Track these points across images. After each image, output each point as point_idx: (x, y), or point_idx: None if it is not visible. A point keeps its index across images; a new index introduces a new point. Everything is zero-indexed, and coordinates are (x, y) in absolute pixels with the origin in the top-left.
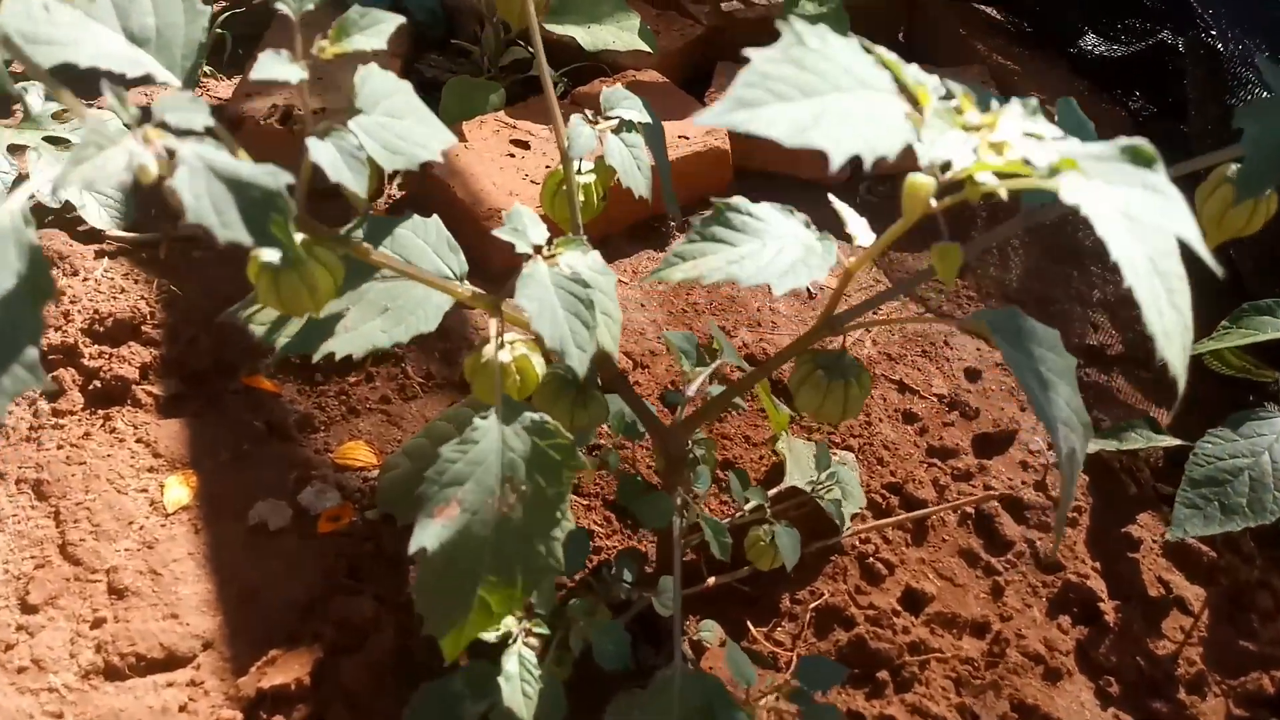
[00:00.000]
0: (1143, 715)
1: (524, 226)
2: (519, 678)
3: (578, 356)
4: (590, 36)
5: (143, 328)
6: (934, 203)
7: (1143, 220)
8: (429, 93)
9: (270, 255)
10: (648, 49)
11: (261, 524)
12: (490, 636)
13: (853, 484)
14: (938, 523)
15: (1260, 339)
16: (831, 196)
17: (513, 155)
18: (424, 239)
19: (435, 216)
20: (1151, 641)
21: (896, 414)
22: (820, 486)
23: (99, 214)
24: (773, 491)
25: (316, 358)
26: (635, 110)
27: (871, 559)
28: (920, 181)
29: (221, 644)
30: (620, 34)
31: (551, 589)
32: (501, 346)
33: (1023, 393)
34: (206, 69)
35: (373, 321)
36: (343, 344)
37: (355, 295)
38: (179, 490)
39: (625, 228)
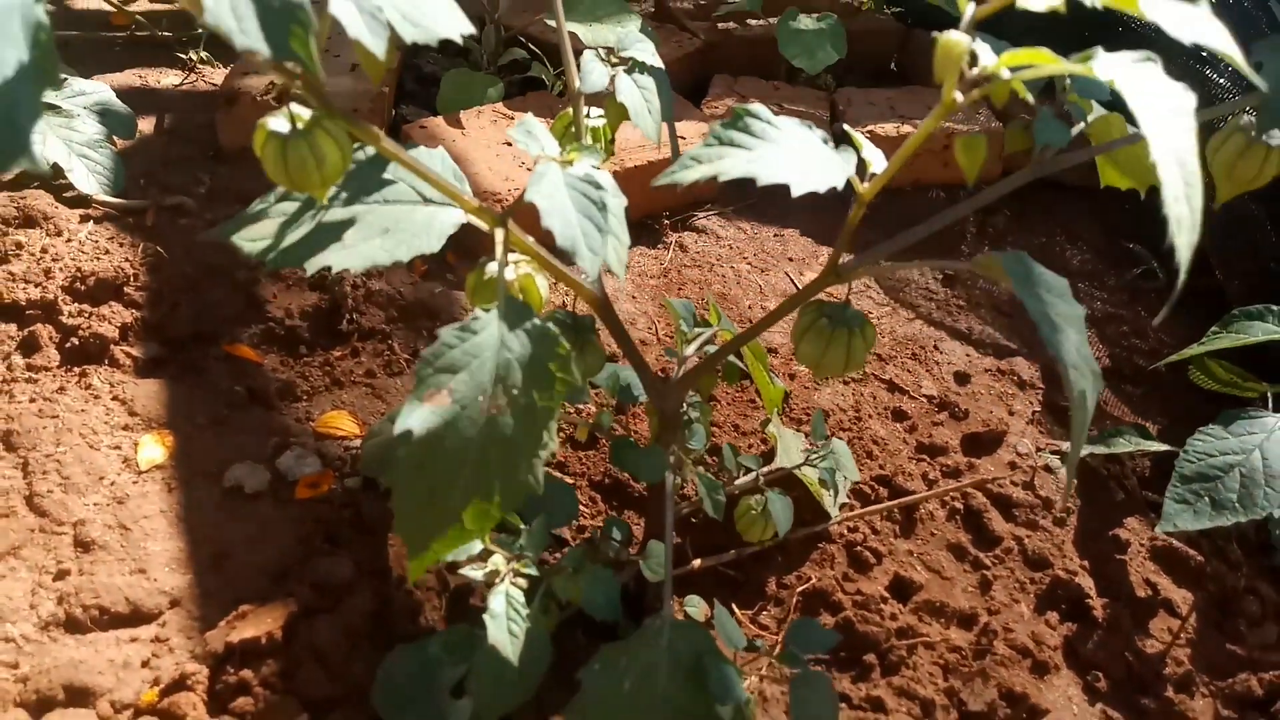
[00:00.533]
0: (1131, 712)
1: (536, 132)
2: (505, 616)
3: (589, 258)
4: (591, 34)
5: (125, 289)
6: (960, 97)
7: (1167, 107)
8: (427, 87)
9: (278, 124)
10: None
11: (237, 487)
12: (478, 574)
13: (846, 457)
14: (926, 517)
15: (1249, 342)
16: (846, 127)
17: (509, 144)
18: (430, 165)
19: (441, 149)
20: (1140, 640)
21: (886, 412)
22: (815, 455)
23: (87, 179)
24: (766, 469)
25: (311, 271)
26: (649, 53)
27: (860, 548)
28: (953, 40)
29: (190, 602)
30: (620, 32)
31: (542, 533)
32: (506, 265)
33: (1011, 398)
34: (204, 55)
35: (373, 240)
36: (340, 258)
37: (356, 215)
38: (154, 449)
39: None
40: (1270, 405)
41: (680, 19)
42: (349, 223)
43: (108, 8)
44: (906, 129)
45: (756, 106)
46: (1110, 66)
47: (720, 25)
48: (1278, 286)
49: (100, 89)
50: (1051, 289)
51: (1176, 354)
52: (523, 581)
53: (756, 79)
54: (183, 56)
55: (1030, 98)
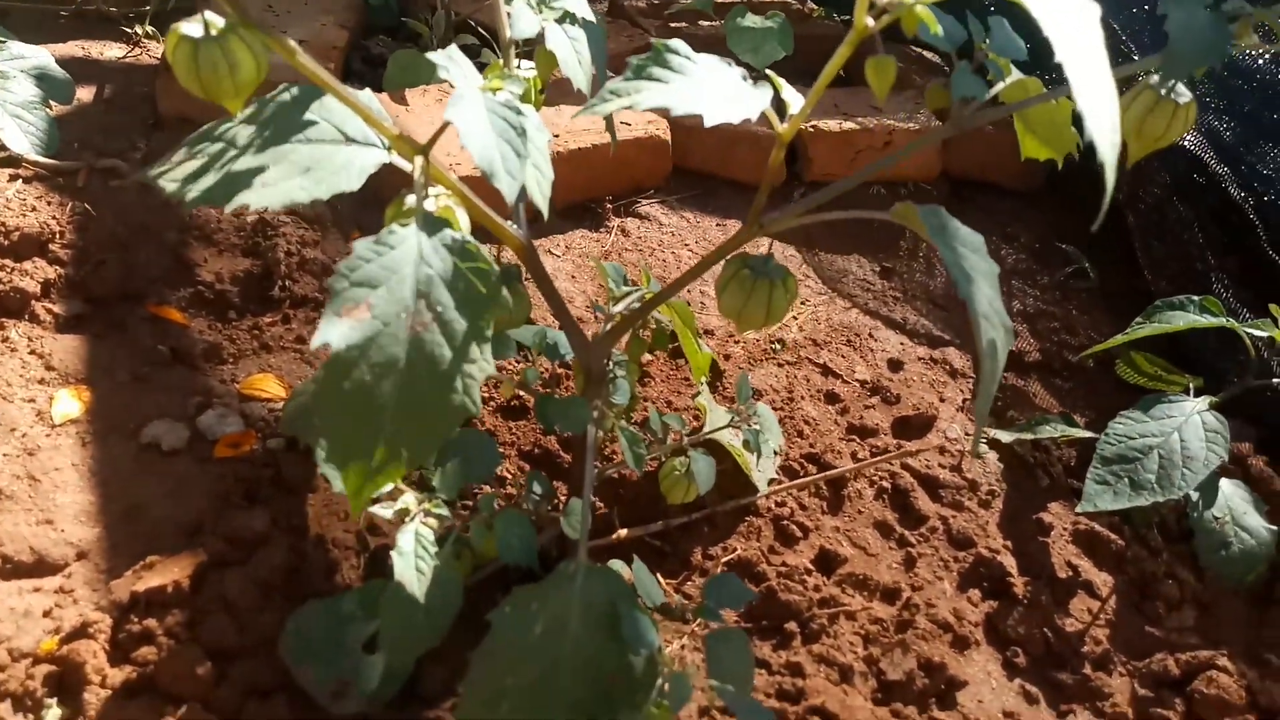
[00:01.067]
0: (1048, 687)
1: (458, 59)
2: (413, 553)
3: (507, 181)
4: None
5: (50, 245)
6: (871, 22)
7: (1067, 5)
8: (375, 68)
9: (192, 29)
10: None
11: (154, 443)
12: (386, 513)
13: (771, 421)
14: (854, 495)
15: (1171, 329)
16: (768, 71)
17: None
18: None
19: (367, 89)
20: (1059, 619)
21: (819, 394)
22: (739, 419)
23: (19, 139)
24: (692, 436)
25: (229, 209)
26: (581, 6)
27: (787, 522)
28: None
29: (98, 555)
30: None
31: (456, 474)
32: (425, 194)
33: (943, 386)
34: (149, 29)
35: (293, 179)
36: (259, 196)
37: (277, 154)
38: (69, 403)
39: (561, 207)
40: (1192, 396)
41: (633, 16)
42: (270, 162)
43: None
44: (849, 125)
45: (675, 42)
46: None
47: (672, 24)
48: (1204, 286)
49: (39, 53)
50: (966, 243)
51: (1102, 344)
52: (433, 522)
53: None
54: (128, 30)
55: (939, 30)
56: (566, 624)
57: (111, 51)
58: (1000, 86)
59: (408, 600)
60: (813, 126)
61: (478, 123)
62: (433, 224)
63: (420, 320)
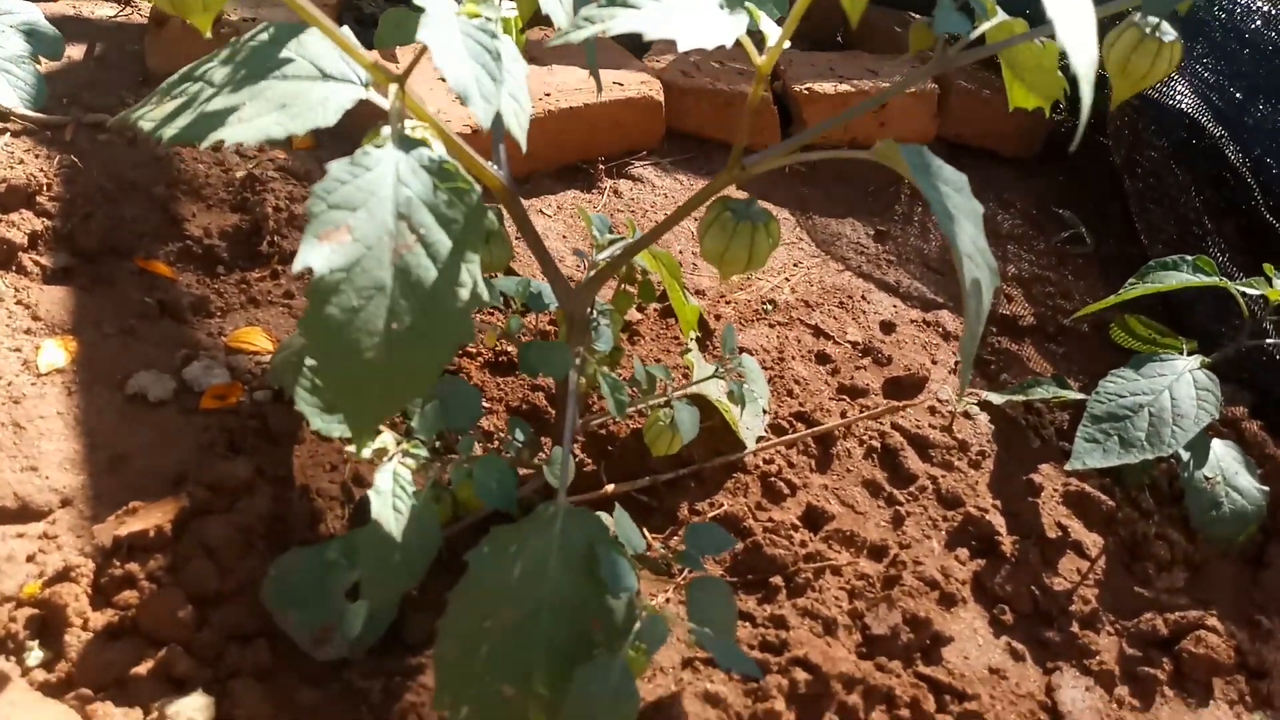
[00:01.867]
0: (1035, 644)
1: None
2: (391, 493)
3: (481, 105)
4: None
5: (37, 198)
6: None
7: None
8: (367, 29)
9: None
10: None
11: (140, 394)
12: (365, 453)
13: (757, 373)
14: (843, 454)
15: (1164, 289)
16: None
17: (444, 79)
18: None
19: (345, 26)
20: (1048, 578)
21: (810, 354)
22: (725, 371)
23: (7, 92)
24: (678, 392)
25: (204, 145)
26: None
27: (775, 479)
28: None
29: (81, 501)
30: None
31: (435, 416)
32: (400, 124)
33: (935, 348)
34: None
35: (269, 115)
36: (235, 132)
37: (253, 91)
38: (55, 353)
39: (554, 168)
40: (1185, 356)
41: None
42: (246, 99)
43: None
44: (844, 88)
45: None
46: None
47: None
48: (1201, 250)
49: (29, 9)
50: (949, 182)
51: (1095, 304)
52: (411, 462)
53: None
54: None
55: None
56: (546, 566)
57: (103, 10)
58: (986, 26)
59: (385, 539)
60: (807, 89)
61: (451, 44)
62: (408, 143)
63: (403, 243)
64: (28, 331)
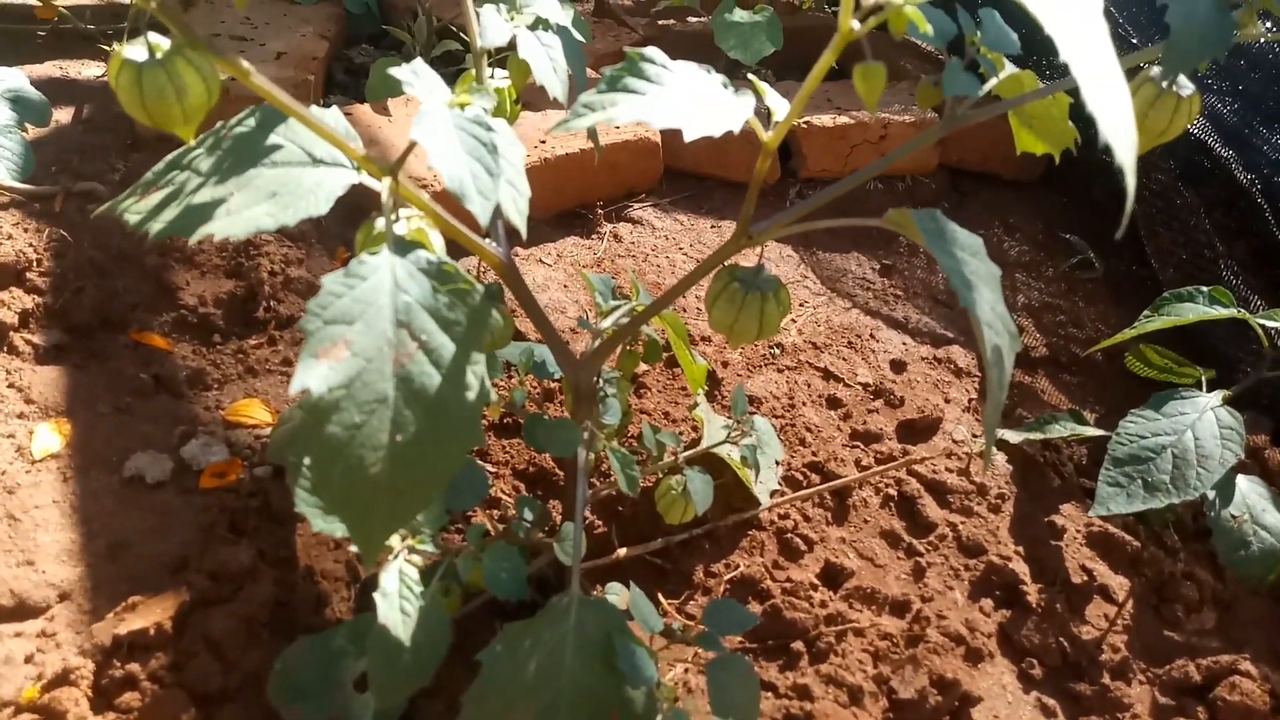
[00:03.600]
0: (1066, 699)
1: (422, 73)
2: (397, 595)
3: (479, 203)
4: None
5: (27, 274)
6: (857, 25)
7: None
8: (358, 79)
9: (135, 52)
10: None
11: (138, 476)
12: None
13: (769, 435)
14: (859, 504)
15: (1180, 323)
16: (750, 76)
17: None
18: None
19: (334, 108)
20: (1075, 626)
21: (820, 399)
22: (735, 432)
23: None
24: (687, 453)
25: (193, 241)
26: (553, 10)
27: (790, 534)
28: None
29: (80, 595)
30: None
31: (440, 508)
32: (394, 217)
33: (947, 386)
34: None
35: (259, 206)
36: (224, 225)
37: (241, 181)
38: (49, 438)
39: (552, 214)
40: (1204, 389)
41: (619, 15)
42: (235, 190)
43: (33, 1)
44: (843, 119)
45: (651, 50)
46: None
47: (660, 21)
48: (1212, 274)
49: (14, 76)
50: (965, 247)
51: (1110, 339)
52: (418, 559)
53: None
54: (106, 49)
55: (929, 29)
56: (562, 660)
57: (90, 70)
58: (994, 82)
59: (393, 643)
60: (805, 122)
61: (445, 141)
62: (404, 248)
63: (404, 351)
64: (21, 416)
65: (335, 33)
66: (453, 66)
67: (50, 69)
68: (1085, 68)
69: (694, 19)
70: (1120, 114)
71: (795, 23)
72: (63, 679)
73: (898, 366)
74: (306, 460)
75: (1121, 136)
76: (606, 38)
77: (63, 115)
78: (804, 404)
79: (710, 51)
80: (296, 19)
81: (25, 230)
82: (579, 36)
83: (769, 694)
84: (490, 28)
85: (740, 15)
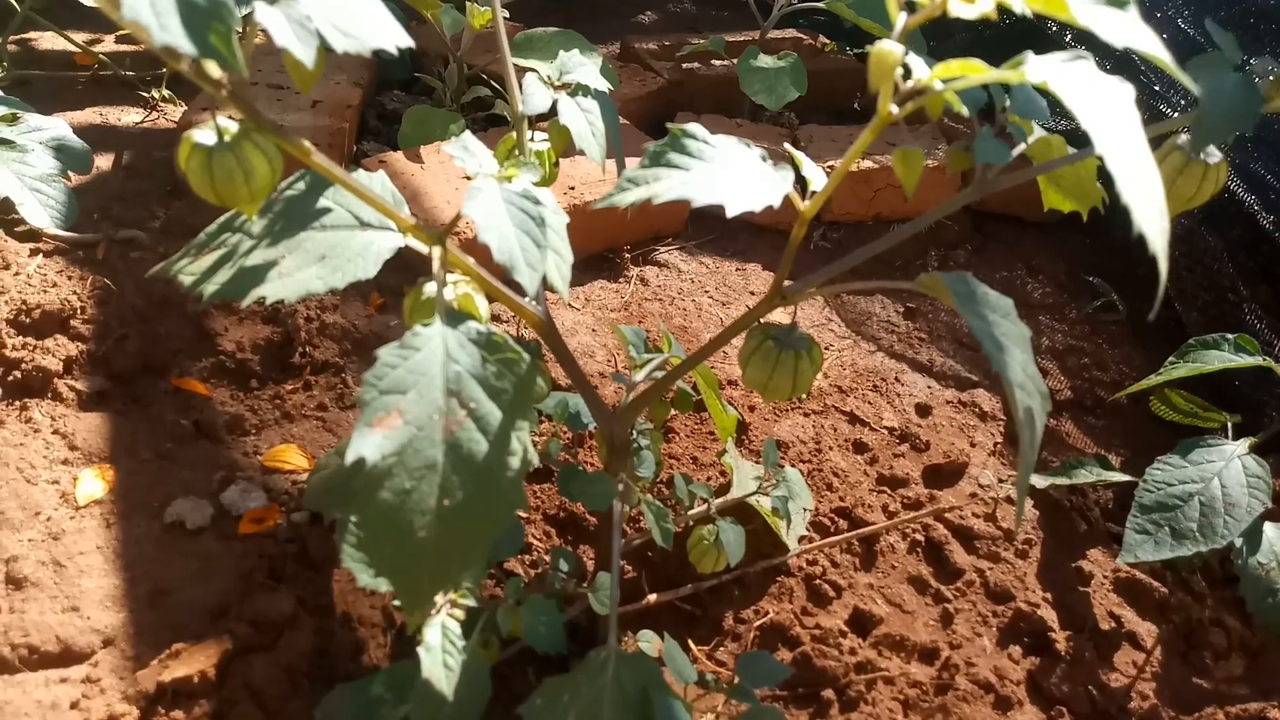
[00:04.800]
0: None
1: (473, 148)
2: (440, 649)
3: (528, 274)
4: (551, 69)
5: (71, 321)
6: (895, 110)
7: (1105, 97)
8: (390, 125)
9: (204, 137)
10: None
11: (179, 522)
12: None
13: (799, 485)
14: (887, 549)
15: (1206, 370)
16: (788, 146)
17: (469, 178)
18: (368, 186)
19: (381, 172)
20: (1104, 674)
21: (847, 444)
22: (766, 483)
23: (39, 213)
24: (719, 501)
25: (245, 303)
26: (592, 76)
27: (819, 580)
28: (887, 49)
29: (124, 641)
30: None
31: (484, 564)
32: (444, 285)
33: (973, 430)
34: (166, 93)
35: (309, 269)
36: (275, 289)
37: (292, 244)
38: (93, 484)
39: (580, 258)
40: (1230, 435)
41: (644, 59)
42: (285, 252)
43: (72, 48)
44: (867, 164)
45: (693, 126)
46: (1042, 68)
47: (684, 65)
48: (1235, 317)
49: (57, 124)
50: (996, 309)
51: (1136, 385)
52: (459, 613)
53: (720, 117)
54: (145, 95)
55: (964, 110)
56: (600, 714)
57: (129, 116)
58: (1023, 147)
59: (437, 697)
60: (829, 167)
61: (496, 217)
62: (455, 318)
63: (454, 419)
64: (65, 462)
65: (368, 79)
66: (483, 112)
67: (91, 115)
68: (1120, 164)
69: (718, 63)
70: (1154, 205)
71: (818, 66)
72: None
73: (923, 410)
74: (354, 519)
75: (1154, 225)
76: (633, 82)
77: (103, 162)
78: (830, 448)
79: (735, 95)
80: (330, 66)
81: (69, 278)
82: (608, 86)
83: None
84: (533, 95)
85: (765, 60)
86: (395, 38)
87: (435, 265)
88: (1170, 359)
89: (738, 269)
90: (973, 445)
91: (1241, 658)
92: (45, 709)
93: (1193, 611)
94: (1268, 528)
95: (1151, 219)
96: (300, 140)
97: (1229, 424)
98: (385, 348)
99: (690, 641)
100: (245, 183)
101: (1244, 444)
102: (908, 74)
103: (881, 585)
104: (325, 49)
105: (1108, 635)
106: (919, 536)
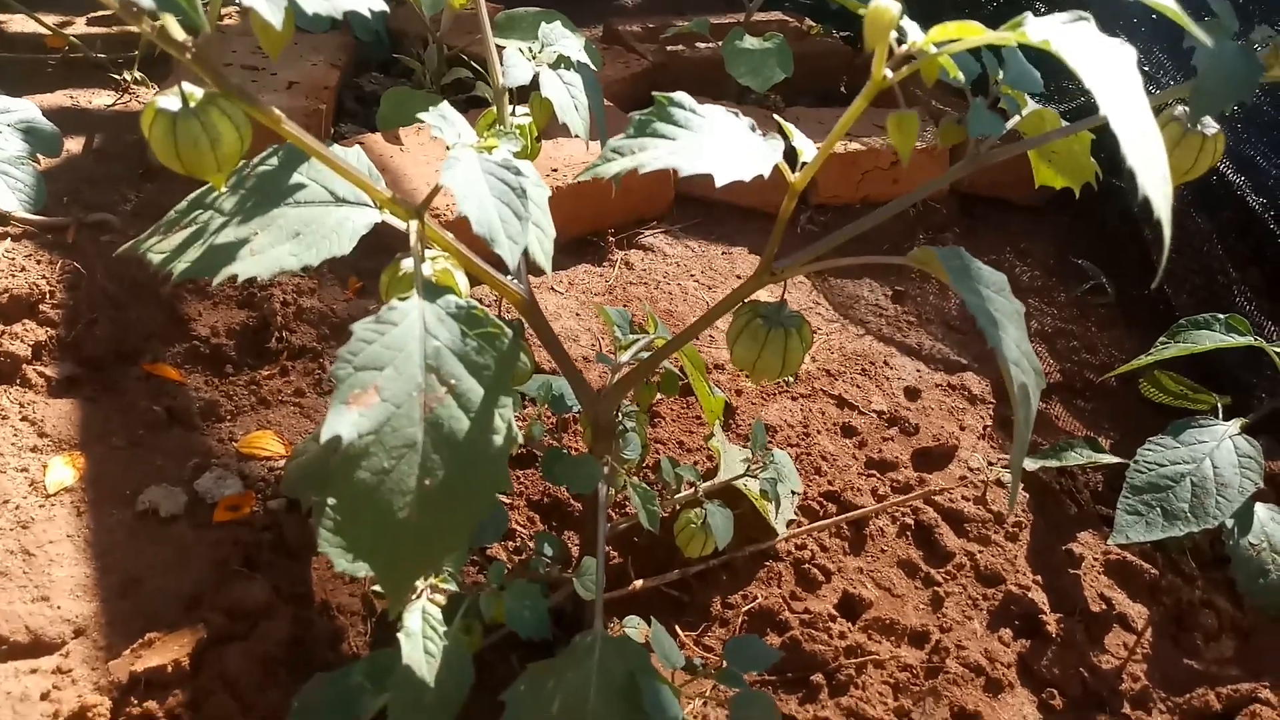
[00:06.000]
0: None
1: (451, 118)
2: (421, 634)
3: (508, 246)
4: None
5: (40, 306)
6: (890, 74)
7: (1107, 57)
8: (368, 106)
9: (169, 103)
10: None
11: (152, 510)
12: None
13: (788, 469)
14: (876, 533)
15: (1197, 350)
16: (777, 116)
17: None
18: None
19: (357, 146)
20: (1095, 656)
21: (835, 427)
22: (754, 467)
23: (6, 196)
24: (706, 485)
25: (217, 282)
26: (574, 49)
27: (808, 565)
28: (882, 7)
29: (95, 631)
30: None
31: (466, 549)
32: (422, 260)
33: (962, 413)
34: (137, 75)
35: (282, 246)
36: (247, 266)
37: (265, 221)
38: (63, 471)
39: (564, 242)
40: (1220, 416)
41: (628, 41)
42: (258, 229)
43: (43, 30)
44: (854, 145)
45: (680, 95)
46: (1043, 28)
47: (669, 47)
48: (1225, 299)
49: (26, 107)
50: (990, 284)
51: (1126, 365)
52: (440, 599)
53: (705, 99)
54: (116, 77)
55: (960, 75)
56: (585, 700)
57: (100, 99)
58: (1016, 119)
59: (418, 683)
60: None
61: (475, 187)
62: (434, 292)
63: (434, 395)
64: (34, 449)
65: (345, 61)
66: (463, 94)
67: (61, 98)
68: (1125, 125)
69: (703, 45)
70: (1159, 171)
71: (803, 48)
72: (80, 716)
73: (912, 394)
74: (330, 501)
75: (1159, 190)
76: (616, 64)
77: (74, 145)
78: (819, 432)
79: (720, 77)
80: (307, 47)
81: (38, 262)
82: (590, 62)
83: None
84: (514, 67)
85: (750, 42)
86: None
87: (413, 239)
88: (1161, 339)
89: (724, 253)
90: (962, 428)
91: (1232, 639)
92: (15, 700)
93: (1183, 593)
94: (1259, 508)
95: (1157, 183)
96: (270, 108)
97: (1219, 405)
98: (360, 322)
99: (677, 627)
100: (211, 150)
101: (1235, 424)
102: (902, 39)
103: (871, 569)
104: (296, 12)
105: (1098, 617)
106: (908, 520)
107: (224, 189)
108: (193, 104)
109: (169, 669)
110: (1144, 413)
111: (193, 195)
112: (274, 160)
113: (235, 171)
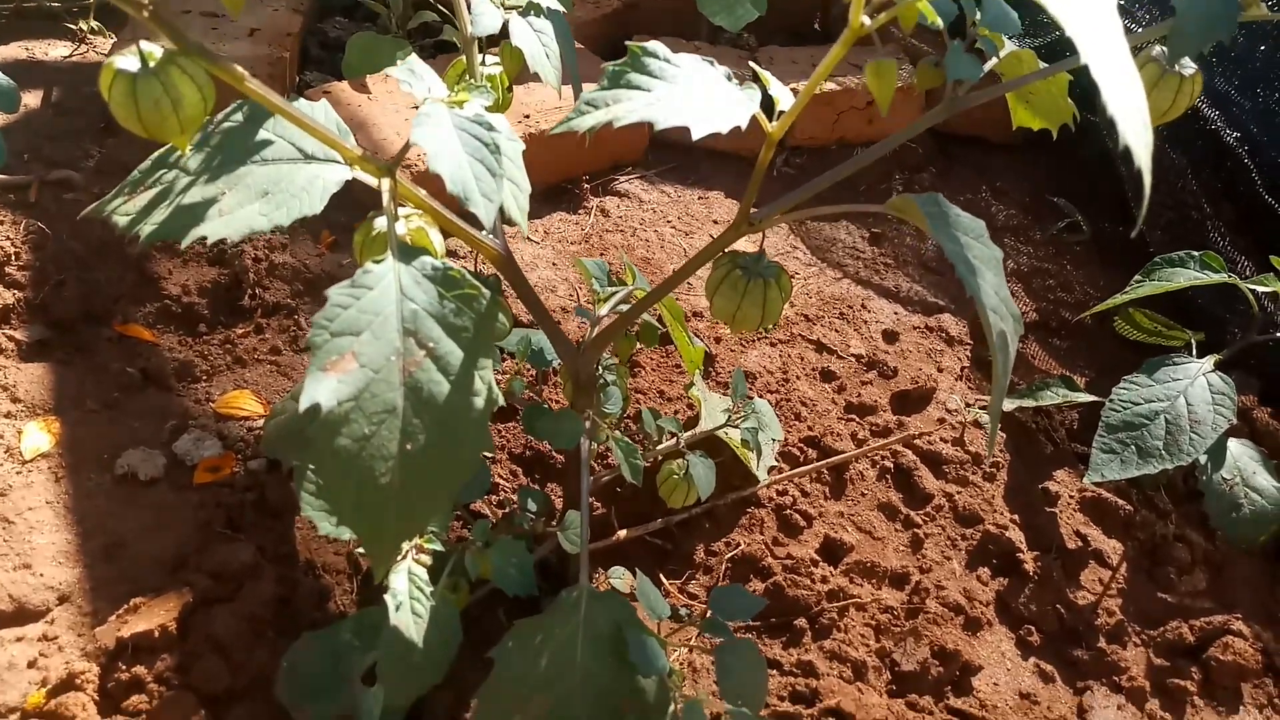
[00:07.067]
0: (1064, 664)
1: (420, 71)
2: (408, 595)
3: (483, 205)
4: None
5: (6, 269)
6: (868, 21)
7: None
8: (333, 53)
9: (127, 63)
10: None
11: (131, 473)
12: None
13: (769, 416)
14: (856, 477)
15: (1172, 288)
16: (753, 64)
17: (418, 107)
18: (311, 116)
19: (324, 100)
20: (1071, 592)
21: (814, 372)
22: (735, 415)
23: None
24: (687, 435)
25: (185, 244)
26: None
27: (789, 511)
28: None
29: (80, 597)
30: None
31: (450, 509)
32: (395, 219)
33: (940, 355)
34: (94, 25)
35: (251, 205)
36: (216, 227)
37: (232, 180)
38: (39, 436)
39: (538, 190)
40: (1194, 353)
41: None
42: (226, 189)
43: None
44: (829, 85)
45: (654, 44)
46: None
47: None
48: (1199, 235)
49: None
50: (968, 230)
51: (1101, 304)
52: (426, 558)
53: (678, 39)
54: (72, 27)
55: (939, 20)
56: (573, 654)
57: (57, 50)
58: (994, 62)
59: (405, 643)
60: (793, 89)
61: (447, 145)
62: (409, 254)
63: (412, 359)
64: (8, 415)
65: (308, 6)
66: (430, 38)
67: (15, 50)
68: (1107, 74)
69: None
70: (1139, 114)
71: None
72: (68, 684)
73: (890, 337)
74: (312, 467)
75: (1139, 136)
76: (586, 4)
77: (31, 99)
78: (798, 378)
79: (692, 16)
80: None
81: (1, 223)
82: (561, 8)
83: (774, 672)
84: (482, 15)
85: None
86: None
87: (385, 198)
88: (1136, 277)
89: (700, 198)
90: (940, 370)
91: (1204, 572)
92: (1, 669)
93: (1157, 528)
94: (1231, 444)
95: (1137, 129)
96: (232, 65)
97: (1192, 341)
98: (335, 287)
99: (662, 576)
100: (174, 112)
101: (1209, 361)
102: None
103: (851, 513)
104: None
105: (1074, 554)
106: (888, 463)
107: (189, 149)
108: (152, 64)
109: (156, 633)
110: (1118, 351)
111: (156, 154)
112: (239, 116)
113: (200, 128)
